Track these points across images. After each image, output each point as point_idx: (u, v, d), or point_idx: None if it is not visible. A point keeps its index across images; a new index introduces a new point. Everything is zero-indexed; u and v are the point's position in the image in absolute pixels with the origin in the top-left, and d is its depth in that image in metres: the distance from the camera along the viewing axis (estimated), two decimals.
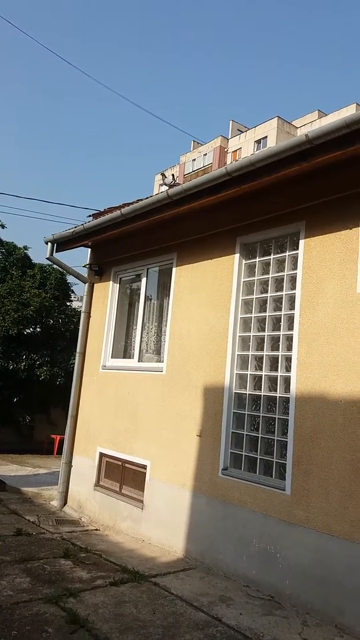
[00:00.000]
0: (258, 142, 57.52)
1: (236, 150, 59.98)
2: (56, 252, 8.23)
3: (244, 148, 58.82)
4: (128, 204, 7.35)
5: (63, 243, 8.12)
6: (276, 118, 56.45)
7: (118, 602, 4.29)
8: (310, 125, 56.18)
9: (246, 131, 60.29)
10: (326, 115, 55.79)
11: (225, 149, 61.28)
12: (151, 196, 6.29)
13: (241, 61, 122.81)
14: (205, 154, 62.54)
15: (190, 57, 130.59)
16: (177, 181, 7.43)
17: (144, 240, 7.13)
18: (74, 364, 12.02)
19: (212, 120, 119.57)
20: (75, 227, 7.65)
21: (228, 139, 61.70)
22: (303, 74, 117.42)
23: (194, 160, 63.61)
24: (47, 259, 8.33)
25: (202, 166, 61.50)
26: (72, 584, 4.59)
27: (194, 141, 65.87)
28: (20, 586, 4.45)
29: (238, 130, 62.26)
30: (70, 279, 13.91)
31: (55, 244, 8.14)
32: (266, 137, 56.84)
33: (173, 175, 7.83)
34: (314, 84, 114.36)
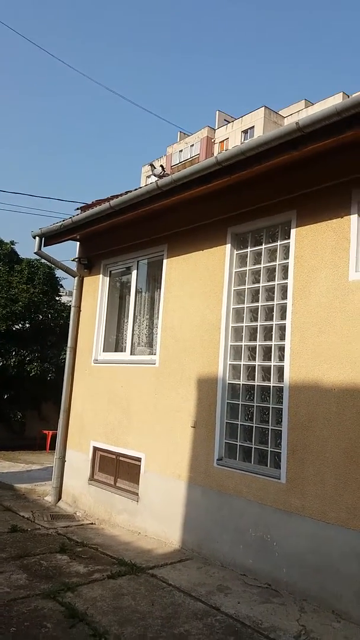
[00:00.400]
0: (245, 132, 57.40)
1: (223, 140, 59.81)
2: (44, 246, 8.15)
3: (231, 138, 58.67)
4: (116, 196, 7.28)
5: (51, 237, 8.04)
6: (263, 108, 56.34)
7: (116, 594, 4.29)
8: (297, 114, 56.09)
9: (233, 121, 60.12)
10: (313, 104, 55.78)
11: (212, 140, 61.08)
12: (140, 187, 6.24)
13: (227, 51, 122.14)
14: (192, 145, 62.29)
15: (175, 47, 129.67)
16: (166, 172, 7.37)
17: (133, 232, 7.08)
18: (64, 359, 11.98)
19: (198, 110, 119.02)
20: (64, 221, 7.57)
21: (215, 130, 61.48)
22: (289, 63, 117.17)
23: (180, 151, 63.33)
24: (35, 253, 8.25)
25: (189, 157, 61.26)
26: (70, 579, 4.58)
27: (180, 132, 65.57)
28: (17, 582, 4.43)
29: (225, 120, 62.05)
30: (58, 273, 13.81)
31: (43, 238, 8.06)
32: (253, 127, 56.73)
33: (162, 166, 7.77)
34: (300, 74, 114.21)
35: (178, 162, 61.11)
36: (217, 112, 63.62)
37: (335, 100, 52.33)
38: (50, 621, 3.75)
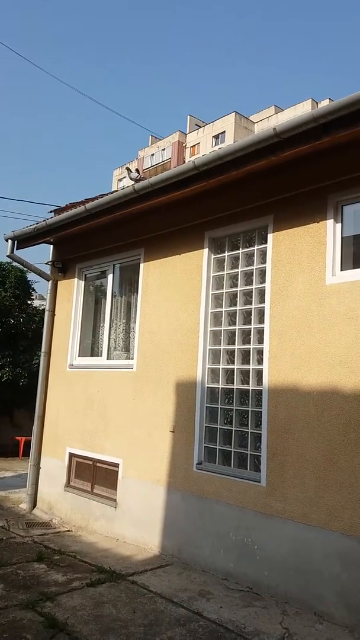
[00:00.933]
0: (216, 137, 57.81)
1: (194, 145, 60.10)
2: (17, 249, 8.01)
3: (203, 143, 59.01)
4: (91, 199, 7.23)
5: (24, 240, 7.91)
6: (234, 113, 56.84)
7: (97, 603, 4.23)
8: (267, 120, 56.85)
9: (204, 126, 60.48)
10: (282, 110, 56.58)
11: (184, 144, 61.31)
12: (117, 191, 6.21)
13: (198, 56, 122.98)
14: (163, 149, 62.40)
15: (147, 51, 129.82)
16: (142, 176, 7.35)
17: (109, 236, 7.03)
18: (37, 364, 11.81)
19: (170, 115, 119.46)
20: (37, 223, 7.46)
21: (186, 134, 61.74)
22: (258, 69, 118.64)
23: (152, 155, 63.37)
24: (7, 256, 8.09)
25: (160, 161, 61.36)
26: (48, 588, 4.50)
27: (152, 136, 65.63)
28: None
29: (196, 125, 62.38)
30: (30, 276, 13.57)
31: (15, 241, 7.92)
32: (224, 132, 57.18)
33: (137, 169, 7.74)
34: (270, 80, 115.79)
35: (150, 165, 61.11)
36: (189, 116, 63.89)
37: (304, 107, 53.24)
38: (30, 632, 3.67)
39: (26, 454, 11.66)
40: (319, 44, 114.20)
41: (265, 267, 5.16)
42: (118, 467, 6.37)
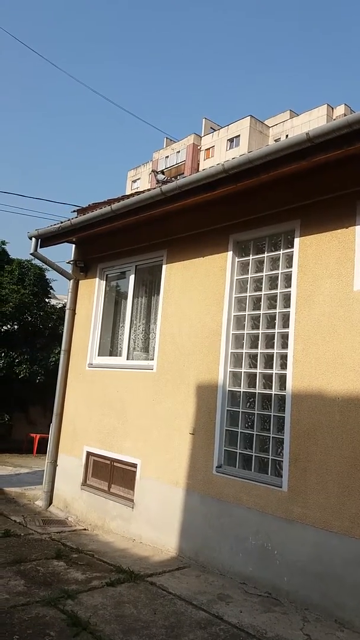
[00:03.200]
0: (231, 140, 57.84)
1: (209, 148, 60.17)
2: (40, 247, 8.07)
3: (217, 146, 59.07)
4: (115, 200, 7.27)
5: (48, 239, 7.97)
6: (249, 117, 56.82)
7: (117, 602, 4.24)
8: (282, 124, 56.80)
9: (219, 129, 60.54)
10: (298, 115, 56.46)
11: (199, 147, 61.39)
12: (143, 192, 6.23)
13: (215, 60, 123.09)
14: (178, 152, 62.53)
15: (163, 54, 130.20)
16: (169, 178, 7.37)
17: (132, 236, 7.06)
18: (53, 361, 11.94)
19: (185, 117, 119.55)
20: (62, 223, 7.52)
21: (201, 137, 61.82)
22: (275, 73, 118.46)
23: (167, 157, 63.53)
24: (30, 254, 8.16)
25: (175, 163, 61.51)
26: (69, 586, 4.52)
27: (166, 138, 65.79)
28: (15, 589, 4.35)
29: (211, 128, 62.44)
30: (49, 275, 13.71)
31: (39, 240, 7.99)
32: (239, 135, 57.20)
33: (163, 171, 7.77)
34: (285, 84, 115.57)
35: (164, 167, 61.21)
36: (204, 119, 64.00)
37: (319, 112, 53.10)
38: (53, 629, 3.69)
39: (40, 451, 11.78)
40: (335, 49, 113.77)
41: (290, 271, 5.15)
42: (136, 467, 6.39)
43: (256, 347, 5.42)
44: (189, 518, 5.59)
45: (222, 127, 60.17)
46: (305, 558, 4.44)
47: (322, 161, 4.58)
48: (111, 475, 6.88)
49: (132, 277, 7.31)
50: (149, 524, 6.05)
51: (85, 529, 6.72)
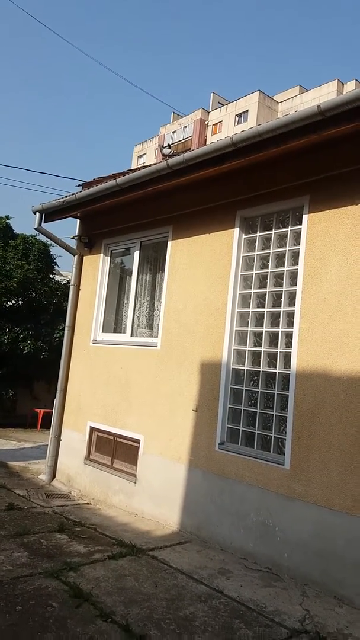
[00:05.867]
0: (239, 115, 56.91)
1: (217, 123, 59.24)
2: (44, 222, 7.99)
3: (225, 121, 58.15)
4: (120, 174, 7.16)
5: (52, 213, 7.88)
6: (257, 92, 55.80)
7: (119, 575, 4.29)
8: (291, 100, 55.75)
9: (227, 104, 59.54)
10: (307, 90, 55.37)
11: (206, 122, 60.45)
12: (149, 165, 6.12)
13: (223, 35, 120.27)
14: (185, 127, 61.61)
15: (172, 29, 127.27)
16: (172, 152, 7.23)
17: (137, 212, 6.96)
18: (57, 337, 11.95)
19: (192, 92, 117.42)
20: (66, 197, 7.41)
21: (209, 112, 60.82)
22: (285, 49, 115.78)
23: (173, 132, 62.61)
24: (35, 229, 8.08)
25: (182, 138, 60.62)
26: (71, 558, 4.57)
27: (174, 113, 64.77)
28: (19, 561, 4.40)
29: (219, 103, 61.39)
30: (53, 250, 13.62)
31: (43, 214, 7.90)
32: (247, 111, 56.26)
33: (169, 145, 7.62)
34: (295, 60, 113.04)
35: (171, 142, 60.36)
36: (212, 94, 62.91)
37: (329, 87, 52.04)
38: (56, 600, 3.73)
39: (44, 425, 11.87)
40: (345, 25, 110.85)
41: (298, 249, 5.07)
42: (139, 443, 6.41)
43: (261, 325, 5.37)
44: (191, 494, 5.62)
45: (230, 102, 59.14)
46: (306, 535, 4.46)
47: (334, 135, 4.46)
48: (114, 450, 6.92)
49: (136, 254, 7.24)
50: (151, 499, 6.10)
51: (88, 503, 6.79)
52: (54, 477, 7.77)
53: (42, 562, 4.41)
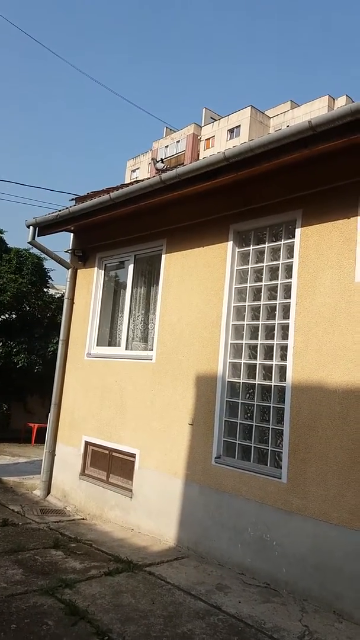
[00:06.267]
0: (231, 130, 57.44)
1: (209, 138, 59.75)
2: (38, 236, 8.01)
3: (217, 136, 58.66)
4: (114, 189, 7.20)
5: (45, 227, 7.90)
6: (249, 107, 56.40)
7: (115, 592, 4.24)
8: (283, 115, 56.41)
9: (219, 119, 60.10)
10: (299, 106, 56.05)
11: (199, 137, 60.95)
12: (142, 180, 6.17)
13: (215, 50, 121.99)
14: (178, 141, 62.09)
15: (164, 44, 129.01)
16: (168, 166, 7.29)
17: (131, 225, 7.00)
18: (52, 351, 11.91)
19: (185, 107, 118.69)
20: (60, 211, 7.45)
21: (201, 127, 61.37)
22: (275, 65, 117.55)
23: (166, 146, 63.06)
24: (28, 242, 8.11)
25: (174, 153, 61.06)
26: (66, 575, 4.52)
27: (166, 127, 65.31)
28: (13, 578, 4.35)
29: (211, 118, 61.98)
30: (47, 264, 13.61)
31: (37, 228, 7.92)
32: (239, 126, 56.79)
33: (162, 159, 7.69)
34: (286, 75, 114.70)
35: (164, 157, 60.79)
36: (204, 109, 63.49)
37: (321, 103, 52.72)
38: (51, 618, 3.68)
39: (39, 440, 11.79)
40: (335, 39, 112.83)
41: (291, 262, 5.10)
42: (135, 457, 6.37)
43: (256, 338, 5.39)
44: (188, 508, 5.58)
45: (222, 117, 59.72)
46: (304, 549, 4.44)
47: (325, 150, 4.52)
48: (110, 465, 6.87)
49: (131, 267, 7.26)
50: (147, 514, 6.05)
51: (83, 519, 6.73)
52: (48, 492, 7.70)
53: (37, 579, 4.35)
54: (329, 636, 3.75)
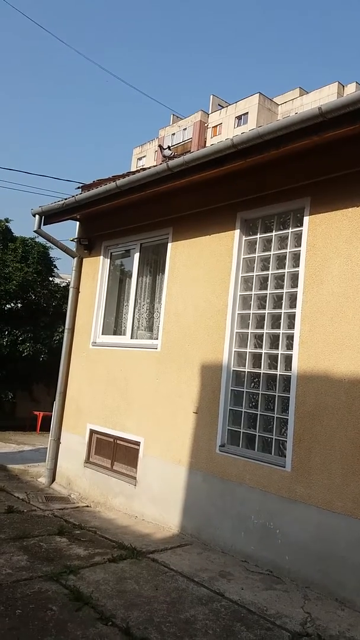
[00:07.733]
0: (239, 117, 56.97)
1: (216, 125, 59.30)
2: (44, 224, 7.97)
3: (225, 123, 58.21)
4: (120, 176, 7.15)
5: (51, 216, 7.87)
6: (257, 94, 55.88)
7: (119, 578, 4.27)
8: (292, 102, 55.85)
9: (227, 107, 59.61)
10: (308, 93, 55.46)
11: (206, 124, 60.52)
12: (149, 167, 6.12)
13: (223, 36, 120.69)
14: (185, 129, 61.68)
15: (172, 30, 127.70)
16: (172, 153, 7.23)
17: (137, 214, 6.95)
18: (57, 340, 11.92)
19: (192, 94, 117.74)
20: (66, 199, 7.41)
21: (208, 114, 60.89)
22: (285, 51, 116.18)
23: (173, 134, 62.68)
24: (34, 231, 8.06)
25: (181, 141, 60.70)
26: (71, 561, 4.54)
27: (173, 115, 64.87)
28: (18, 564, 4.38)
29: (219, 105, 61.47)
30: (52, 253, 13.58)
31: (43, 217, 7.88)
32: (247, 113, 56.31)
33: (169, 147, 7.62)
34: (296, 62, 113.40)
35: (170, 145, 60.41)
36: (212, 96, 62.97)
37: (330, 89, 52.12)
38: (56, 604, 3.71)
39: (44, 428, 11.85)
40: (346, 27, 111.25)
41: (299, 250, 5.06)
42: (139, 445, 6.39)
43: (262, 327, 5.36)
44: (192, 496, 5.60)
45: (230, 104, 59.21)
46: (308, 538, 4.45)
47: (335, 137, 4.45)
48: (114, 453, 6.89)
49: (136, 256, 7.23)
50: (151, 501, 6.08)
51: (87, 506, 6.77)
52: (53, 480, 7.75)
53: (41, 566, 4.38)
54: (331, 623, 3.76)
